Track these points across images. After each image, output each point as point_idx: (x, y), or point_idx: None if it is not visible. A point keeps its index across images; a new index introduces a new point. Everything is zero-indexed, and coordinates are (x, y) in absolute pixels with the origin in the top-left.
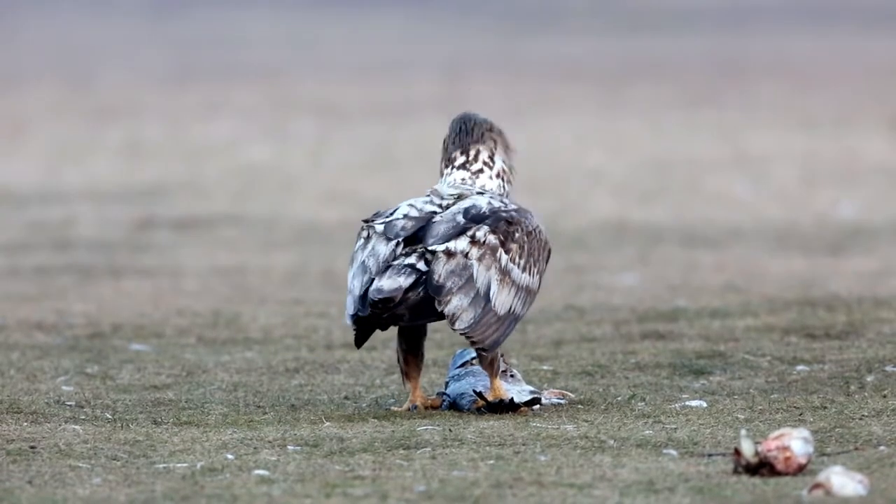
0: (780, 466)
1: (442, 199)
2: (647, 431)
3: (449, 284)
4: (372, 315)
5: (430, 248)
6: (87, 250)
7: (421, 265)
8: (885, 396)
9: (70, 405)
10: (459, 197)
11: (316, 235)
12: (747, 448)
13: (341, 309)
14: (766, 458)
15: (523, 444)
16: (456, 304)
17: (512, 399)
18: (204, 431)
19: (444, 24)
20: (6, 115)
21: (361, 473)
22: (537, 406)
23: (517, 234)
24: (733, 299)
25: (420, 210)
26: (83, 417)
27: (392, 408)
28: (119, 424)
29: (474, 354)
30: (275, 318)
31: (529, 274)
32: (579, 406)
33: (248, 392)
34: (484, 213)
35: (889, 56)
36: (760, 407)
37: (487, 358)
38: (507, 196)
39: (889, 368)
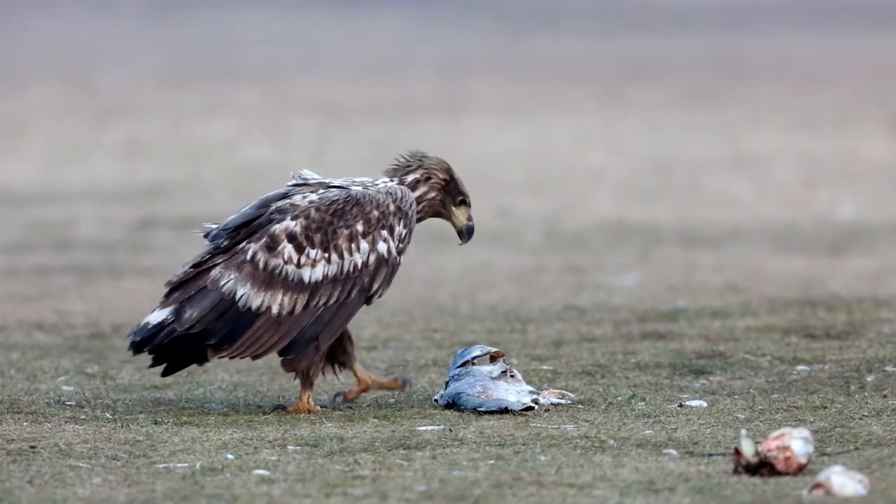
0: (780, 466)
1: None
2: (647, 431)
3: None
4: None
5: None
6: (87, 250)
7: None
8: (885, 396)
9: (70, 405)
10: None
11: None
12: (747, 448)
13: None
14: (766, 458)
15: (523, 444)
16: None
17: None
18: (204, 431)
19: (444, 24)
20: (6, 115)
21: (361, 473)
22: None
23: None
24: (733, 299)
25: None
26: (83, 417)
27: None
28: (119, 424)
29: (475, 354)
30: None
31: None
32: (579, 406)
33: (248, 392)
34: None
35: (889, 56)
36: (760, 407)
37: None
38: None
39: (889, 368)
